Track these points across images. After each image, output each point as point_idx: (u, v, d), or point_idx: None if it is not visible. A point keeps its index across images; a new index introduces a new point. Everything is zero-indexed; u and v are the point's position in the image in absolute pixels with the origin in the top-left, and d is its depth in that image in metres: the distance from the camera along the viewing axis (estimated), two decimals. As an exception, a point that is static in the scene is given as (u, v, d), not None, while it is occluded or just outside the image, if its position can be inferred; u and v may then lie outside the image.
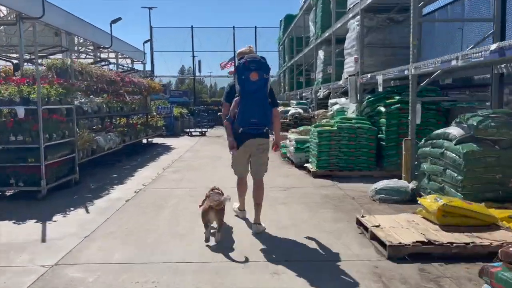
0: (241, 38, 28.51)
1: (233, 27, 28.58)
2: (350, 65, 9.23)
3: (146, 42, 24.29)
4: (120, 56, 25.01)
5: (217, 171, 8.30)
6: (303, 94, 16.99)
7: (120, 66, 19.82)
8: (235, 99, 4.35)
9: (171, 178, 7.72)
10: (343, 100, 10.18)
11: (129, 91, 12.87)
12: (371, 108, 8.27)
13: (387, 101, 7.79)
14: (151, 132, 12.88)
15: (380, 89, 7.49)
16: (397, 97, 7.74)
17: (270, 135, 4.64)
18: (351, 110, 9.06)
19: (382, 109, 7.74)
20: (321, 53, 13.31)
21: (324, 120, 11.94)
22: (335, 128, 7.84)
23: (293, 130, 12.92)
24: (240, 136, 4.38)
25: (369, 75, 8.06)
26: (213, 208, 4.09)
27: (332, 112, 10.50)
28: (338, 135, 7.78)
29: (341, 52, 11.46)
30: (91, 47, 17.33)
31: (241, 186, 4.89)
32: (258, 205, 4.58)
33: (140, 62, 27.06)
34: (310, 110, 14.88)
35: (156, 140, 15.32)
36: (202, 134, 17.75)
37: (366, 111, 8.50)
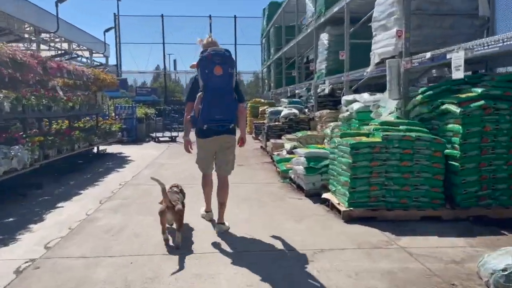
0: (218, 28, 25.36)
1: (210, 16, 25.43)
2: (385, 43, 6.21)
3: (107, 30, 20.74)
4: (77, 48, 21.46)
5: (189, 207, 5.03)
6: (296, 91, 13.98)
7: (74, 58, 16.45)
8: (198, 94, 4.09)
9: (106, 227, 4.49)
10: (366, 96, 7.15)
11: (69, 85, 9.54)
12: (428, 108, 5.26)
13: (463, 96, 4.81)
14: (98, 140, 9.55)
15: (459, 75, 4.49)
16: (479, 90, 4.77)
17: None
18: (389, 111, 6.04)
19: (454, 108, 4.73)
20: (324, 37, 10.29)
21: (332, 124, 9.00)
22: (379, 139, 4.80)
23: (289, 136, 9.89)
24: (205, 132, 4.15)
25: (428, 55, 5.04)
26: (171, 208, 3.80)
27: (349, 113, 7.48)
28: (385, 152, 4.74)
29: (359, 32, 8.50)
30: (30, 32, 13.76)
31: (206, 185, 4.53)
32: (221, 204, 4.33)
33: (102, 55, 23.57)
34: (306, 110, 11.89)
35: (113, 148, 11.99)
36: (172, 139, 14.49)
37: (417, 112, 5.51)
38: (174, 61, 28.53)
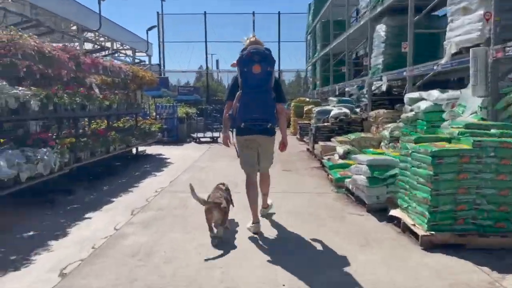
0: (262, 25, 24.64)
1: (253, 13, 24.77)
2: (466, 29, 5.18)
3: (150, 29, 20.50)
4: (120, 48, 21.39)
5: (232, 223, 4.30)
6: (346, 89, 12.98)
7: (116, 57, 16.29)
8: (237, 93, 4.07)
9: (134, 247, 3.80)
10: (436, 94, 6.10)
11: (108, 83, 9.10)
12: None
13: None
14: (135, 141, 9.04)
15: None
16: None
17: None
18: (470, 111, 5.00)
19: None
20: (381, 29, 9.27)
21: (391, 125, 8.02)
22: (469, 146, 3.82)
23: (340, 138, 8.96)
24: (243, 130, 4.14)
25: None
26: (216, 205, 3.81)
27: (413, 113, 6.45)
28: (476, 162, 3.76)
29: (420, 23, 7.45)
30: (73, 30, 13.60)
31: (251, 189, 4.26)
32: (264, 195, 4.57)
33: (145, 54, 23.42)
34: (358, 110, 10.90)
35: (152, 149, 11.52)
36: (213, 140, 13.89)
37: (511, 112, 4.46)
38: (217, 61, 28.06)
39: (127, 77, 8.57)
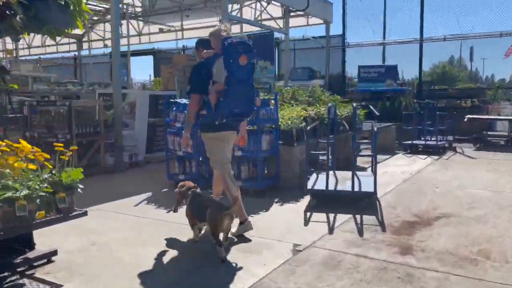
0: None
1: None
2: None
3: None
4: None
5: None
6: None
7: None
8: (215, 86, 3.75)
9: None
10: None
11: None
12: None
13: None
14: None
15: None
16: None
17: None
18: None
19: None
20: None
21: None
22: None
23: None
24: (218, 127, 3.84)
25: None
26: (229, 215, 3.50)
27: None
28: None
29: None
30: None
31: (217, 183, 4.19)
32: (217, 195, 4.52)
33: (321, 21, 14.85)
34: None
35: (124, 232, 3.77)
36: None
37: None
38: (471, 48, 16.48)
39: None
